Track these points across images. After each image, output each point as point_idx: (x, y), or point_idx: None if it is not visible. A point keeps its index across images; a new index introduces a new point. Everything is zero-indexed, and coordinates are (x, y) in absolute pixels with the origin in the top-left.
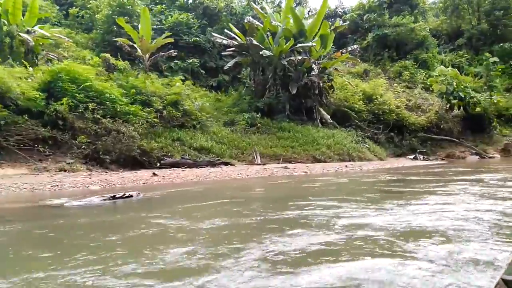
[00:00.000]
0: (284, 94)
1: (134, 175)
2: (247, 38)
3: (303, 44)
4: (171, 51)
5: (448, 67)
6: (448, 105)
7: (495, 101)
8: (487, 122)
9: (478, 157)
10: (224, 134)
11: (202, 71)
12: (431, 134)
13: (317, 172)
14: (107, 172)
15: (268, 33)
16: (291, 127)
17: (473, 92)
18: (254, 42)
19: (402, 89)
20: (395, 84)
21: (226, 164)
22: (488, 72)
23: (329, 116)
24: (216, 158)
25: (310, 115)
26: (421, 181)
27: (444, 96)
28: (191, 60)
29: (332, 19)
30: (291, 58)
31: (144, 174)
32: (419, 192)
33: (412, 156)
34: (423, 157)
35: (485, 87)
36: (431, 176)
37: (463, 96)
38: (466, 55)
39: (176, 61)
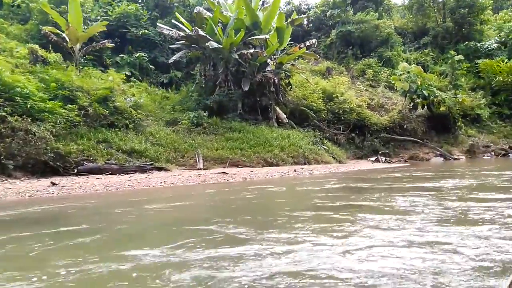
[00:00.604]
0: (237, 91)
1: (26, 185)
2: (194, 28)
3: (255, 37)
4: (105, 41)
5: (412, 65)
6: (411, 104)
7: (460, 100)
8: (452, 122)
9: (442, 158)
10: (162, 135)
11: (151, 66)
12: (393, 135)
13: (258, 178)
14: (4, 181)
15: (220, 24)
16: (242, 127)
17: (437, 90)
18: (201, 32)
19: (365, 88)
20: (358, 83)
21: (160, 169)
22: (453, 71)
23: (285, 116)
24: (149, 163)
25: (266, 114)
26: (370, 191)
27: (408, 94)
28: (138, 54)
29: (296, 17)
30: (243, 51)
31: (40, 184)
32: (359, 209)
33: (373, 158)
34: (385, 159)
35: (450, 86)
36: (386, 183)
37: (427, 95)
38: (431, 54)
39: (122, 55)
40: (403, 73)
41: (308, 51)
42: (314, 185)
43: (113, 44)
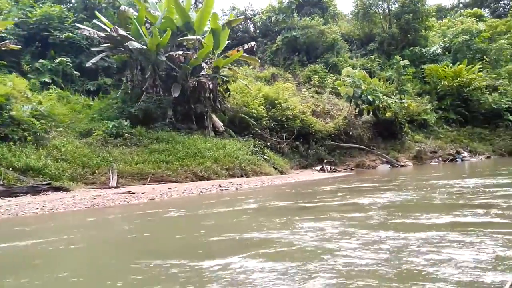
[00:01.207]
0: (167, 98)
1: None
2: (113, 27)
3: (185, 37)
4: (6, 42)
5: (356, 69)
6: (357, 110)
7: (406, 105)
8: (398, 127)
9: (389, 166)
10: (70, 149)
11: (76, 72)
12: (339, 142)
13: (171, 197)
14: None
15: (148, 25)
16: (171, 137)
17: (383, 96)
18: (121, 31)
19: (311, 94)
20: (304, 89)
21: (59, 189)
22: (399, 76)
23: (221, 124)
24: (46, 182)
25: (202, 122)
26: (286, 213)
27: (352, 100)
28: (60, 59)
29: (243, 22)
30: (171, 53)
31: None
32: (243, 247)
33: (319, 167)
34: (331, 168)
35: (397, 91)
36: (314, 199)
37: (371, 100)
38: (378, 60)
39: (42, 60)
40: (348, 78)
41: (248, 55)
42: (226, 205)
43: (19, 46)
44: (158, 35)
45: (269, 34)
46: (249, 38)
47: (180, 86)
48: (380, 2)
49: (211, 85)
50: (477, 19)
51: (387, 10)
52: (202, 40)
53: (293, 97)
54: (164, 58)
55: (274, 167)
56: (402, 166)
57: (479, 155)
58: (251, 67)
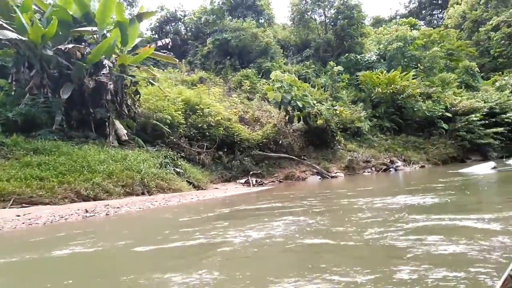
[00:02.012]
0: (56, 100)
1: None
2: None
3: (81, 29)
4: None
5: (285, 73)
6: (287, 117)
7: (337, 111)
8: (330, 135)
9: (320, 177)
10: None
11: None
12: (267, 152)
13: (1, 231)
14: None
15: (39, 15)
16: (56, 148)
17: (315, 102)
18: None
19: (241, 100)
20: (235, 95)
21: None
22: (333, 83)
23: (125, 132)
24: None
25: (103, 130)
26: (144, 260)
27: (282, 106)
28: None
29: (173, 24)
30: (59, 46)
31: None
32: None
33: (243, 180)
34: (256, 181)
35: (331, 98)
36: (172, 237)
37: (301, 106)
38: (313, 66)
39: None
40: (277, 83)
41: (163, 54)
42: (40, 248)
43: None
44: (39, 24)
45: (200, 36)
46: (180, 41)
47: (73, 86)
48: (316, 8)
49: (112, 86)
50: (412, 28)
51: (323, 16)
52: (108, 34)
53: (220, 102)
54: (51, 53)
55: (188, 181)
56: (333, 177)
57: (413, 164)
58: (178, 70)
